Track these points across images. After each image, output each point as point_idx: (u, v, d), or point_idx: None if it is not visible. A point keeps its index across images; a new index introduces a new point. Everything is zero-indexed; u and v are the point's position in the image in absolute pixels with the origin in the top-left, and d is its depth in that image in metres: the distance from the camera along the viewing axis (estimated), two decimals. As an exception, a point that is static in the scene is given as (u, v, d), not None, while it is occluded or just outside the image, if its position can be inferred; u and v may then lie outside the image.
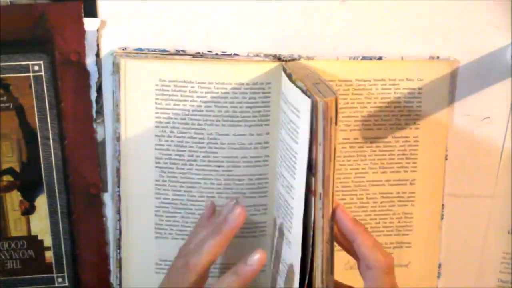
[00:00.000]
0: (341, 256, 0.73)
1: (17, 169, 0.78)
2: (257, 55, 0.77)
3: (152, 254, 0.81)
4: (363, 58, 0.78)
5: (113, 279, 0.82)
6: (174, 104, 0.76)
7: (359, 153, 0.79)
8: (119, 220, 0.79)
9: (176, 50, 0.77)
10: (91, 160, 0.79)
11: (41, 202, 0.79)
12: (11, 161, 0.78)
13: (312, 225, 0.65)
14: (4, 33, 0.74)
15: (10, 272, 0.81)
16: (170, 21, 0.76)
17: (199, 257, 0.69)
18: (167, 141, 0.77)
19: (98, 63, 0.76)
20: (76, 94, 0.77)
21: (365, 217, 0.81)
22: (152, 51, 0.76)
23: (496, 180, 0.82)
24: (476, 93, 0.80)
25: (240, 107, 0.76)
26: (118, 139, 0.77)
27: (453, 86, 0.79)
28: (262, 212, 0.79)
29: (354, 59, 0.78)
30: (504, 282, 0.83)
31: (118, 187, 0.78)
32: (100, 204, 0.80)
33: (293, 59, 0.77)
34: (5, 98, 0.76)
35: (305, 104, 0.64)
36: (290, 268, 0.69)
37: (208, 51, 0.77)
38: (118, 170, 0.77)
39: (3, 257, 0.80)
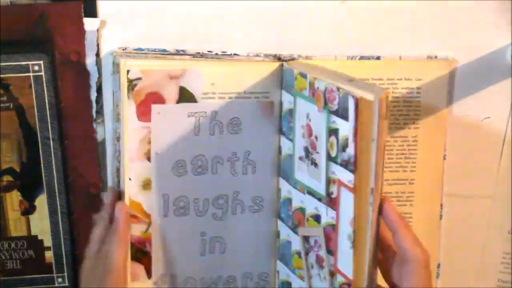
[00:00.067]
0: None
1: (17, 169, 0.78)
2: (257, 55, 0.77)
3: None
4: (361, 57, 0.78)
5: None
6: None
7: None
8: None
9: (176, 50, 0.77)
10: (91, 160, 0.79)
11: (41, 202, 0.79)
12: (11, 161, 0.78)
13: (352, 221, 0.65)
14: (4, 33, 0.74)
15: (10, 272, 0.81)
16: (170, 21, 0.77)
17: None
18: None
19: (98, 63, 0.77)
20: (76, 94, 0.77)
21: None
22: (152, 51, 0.76)
23: (496, 180, 0.81)
24: (476, 93, 0.80)
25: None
26: (118, 139, 0.77)
27: (451, 86, 0.79)
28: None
29: (352, 58, 0.78)
30: (504, 282, 0.83)
31: (118, 186, 0.78)
32: (100, 204, 0.80)
33: (293, 59, 0.77)
34: (5, 98, 0.76)
35: (350, 101, 0.63)
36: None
37: (208, 51, 0.77)
38: (118, 170, 0.78)
39: (3, 257, 0.80)
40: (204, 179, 0.77)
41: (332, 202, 0.68)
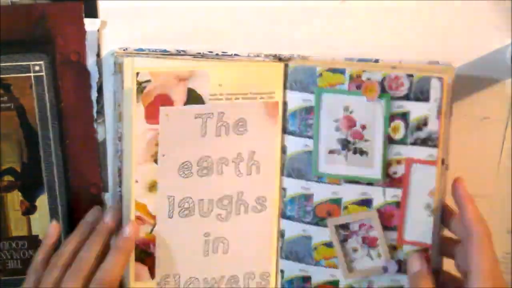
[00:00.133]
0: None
1: (18, 169, 0.78)
2: (258, 55, 0.77)
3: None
4: (359, 60, 0.78)
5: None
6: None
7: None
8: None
9: (177, 50, 0.77)
10: (91, 160, 0.79)
11: (42, 202, 0.79)
12: (12, 161, 0.78)
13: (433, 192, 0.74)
14: (5, 33, 0.74)
15: (11, 272, 0.81)
16: (171, 21, 0.76)
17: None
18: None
19: (99, 63, 0.77)
20: (77, 94, 0.77)
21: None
22: (153, 51, 0.76)
23: (496, 180, 0.82)
24: (476, 93, 0.80)
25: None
26: (119, 138, 0.77)
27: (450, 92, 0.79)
28: None
29: (349, 60, 0.78)
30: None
31: (120, 186, 0.78)
32: (101, 204, 0.80)
33: (291, 59, 0.77)
34: (5, 98, 0.76)
35: (433, 83, 0.72)
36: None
37: (209, 51, 0.77)
38: (119, 169, 0.78)
39: (4, 257, 0.80)
40: (209, 180, 0.77)
41: (395, 181, 0.75)
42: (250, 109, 0.76)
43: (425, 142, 0.73)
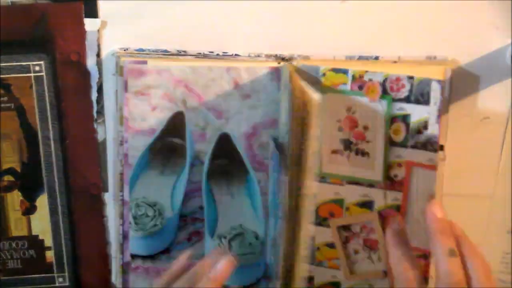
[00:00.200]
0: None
1: (18, 169, 0.78)
2: (258, 55, 0.77)
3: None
4: (360, 57, 0.78)
5: (116, 280, 0.82)
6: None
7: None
8: (123, 224, 0.79)
9: (178, 51, 0.77)
10: (91, 160, 0.79)
11: (42, 202, 0.79)
12: (12, 161, 0.78)
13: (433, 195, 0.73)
14: (5, 33, 0.74)
15: (11, 272, 0.81)
16: (171, 22, 0.76)
17: None
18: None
19: (99, 63, 0.77)
20: (77, 94, 0.77)
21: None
22: (153, 51, 0.76)
23: (496, 180, 0.82)
24: (476, 93, 0.80)
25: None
26: (122, 142, 0.76)
27: (451, 86, 0.79)
28: None
29: (350, 58, 0.78)
30: (504, 282, 0.83)
31: (122, 190, 0.78)
32: (100, 204, 0.80)
33: (292, 59, 0.77)
34: (6, 98, 0.76)
35: (433, 86, 0.71)
36: None
37: (210, 52, 0.77)
38: (121, 174, 0.77)
39: (4, 257, 0.80)
40: None
41: (396, 184, 0.74)
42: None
43: (425, 146, 0.73)
